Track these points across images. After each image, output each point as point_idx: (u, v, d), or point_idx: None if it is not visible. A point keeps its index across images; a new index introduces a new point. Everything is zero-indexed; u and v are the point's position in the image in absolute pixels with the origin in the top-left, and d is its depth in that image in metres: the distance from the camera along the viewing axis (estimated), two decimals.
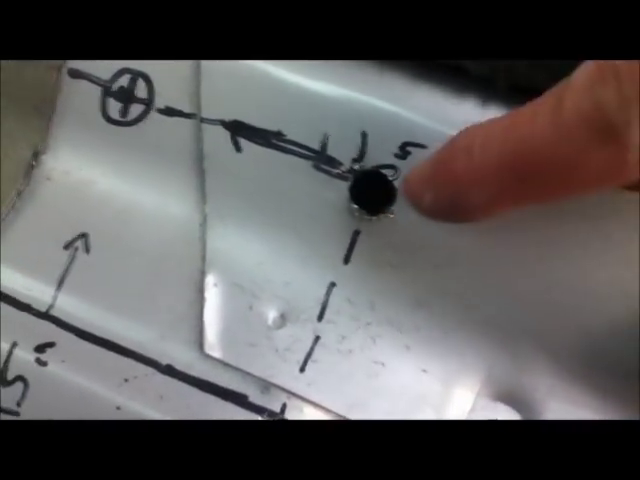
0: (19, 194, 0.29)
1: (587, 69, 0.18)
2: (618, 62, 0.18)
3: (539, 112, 0.19)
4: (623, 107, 0.17)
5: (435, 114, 0.25)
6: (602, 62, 0.18)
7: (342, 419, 0.26)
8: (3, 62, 0.30)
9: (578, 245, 0.25)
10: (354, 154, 0.26)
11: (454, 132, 0.23)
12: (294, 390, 0.26)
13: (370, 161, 0.26)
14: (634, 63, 0.17)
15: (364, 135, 0.26)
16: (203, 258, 0.27)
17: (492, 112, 0.25)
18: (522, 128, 0.19)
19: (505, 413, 0.25)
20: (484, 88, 0.25)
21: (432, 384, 0.26)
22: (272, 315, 0.27)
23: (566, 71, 0.19)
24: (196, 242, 0.28)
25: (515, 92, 0.24)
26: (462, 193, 0.21)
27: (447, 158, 0.21)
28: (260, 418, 0.26)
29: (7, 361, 0.27)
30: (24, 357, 0.27)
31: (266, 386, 0.26)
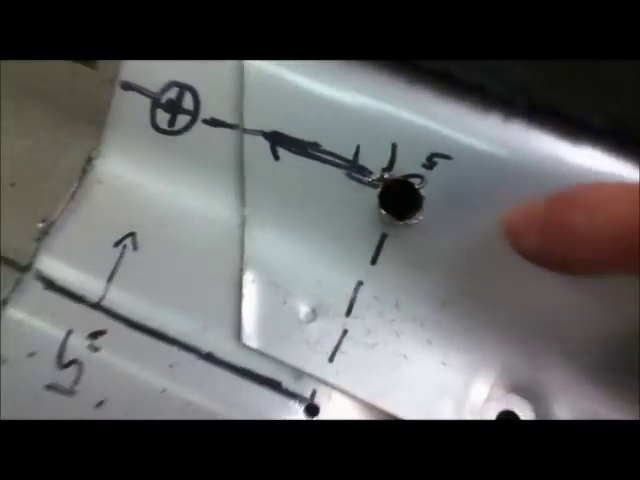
0: (73, 196, 0.32)
1: None
2: None
3: None
4: None
5: (460, 128, 0.27)
6: None
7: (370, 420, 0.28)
8: (61, 74, 0.33)
9: None
10: (384, 164, 0.28)
11: (478, 145, 0.25)
12: (323, 378, 0.28)
13: (399, 170, 0.28)
14: None
15: (394, 146, 0.28)
16: (242, 257, 0.30)
17: (514, 128, 0.27)
18: None
19: (518, 404, 0.27)
20: (505, 106, 0.27)
21: (451, 376, 0.28)
22: (304, 310, 0.29)
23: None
24: (235, 243, 0.30)
25: (534, 111, 0.26)
26: (573, 249, 0.20)
27: (565, 212, 0.21)
28: (292, 403, 0.28)
29: (63, 346, 0.29)
30: (78, 343, 0.29)
31: (298, 374, 0.28)
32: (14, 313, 0.30)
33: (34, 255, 0.31)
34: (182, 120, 0.31)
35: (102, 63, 0.32)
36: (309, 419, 0.28)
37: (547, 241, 0.21)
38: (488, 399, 0.27)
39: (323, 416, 0.28)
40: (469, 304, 0.28)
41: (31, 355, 0.29)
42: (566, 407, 0.27)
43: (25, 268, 0.31)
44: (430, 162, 0.28)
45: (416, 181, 0.28)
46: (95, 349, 0.29)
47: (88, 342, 0.29)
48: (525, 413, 0.27)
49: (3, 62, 0.34)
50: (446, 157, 0.27)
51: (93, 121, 0.32)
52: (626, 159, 0.26)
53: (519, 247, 0.22)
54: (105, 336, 0.29)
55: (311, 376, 0.28)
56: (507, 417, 0.27)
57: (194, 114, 0.31)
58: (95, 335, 0.29)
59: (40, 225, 0.31)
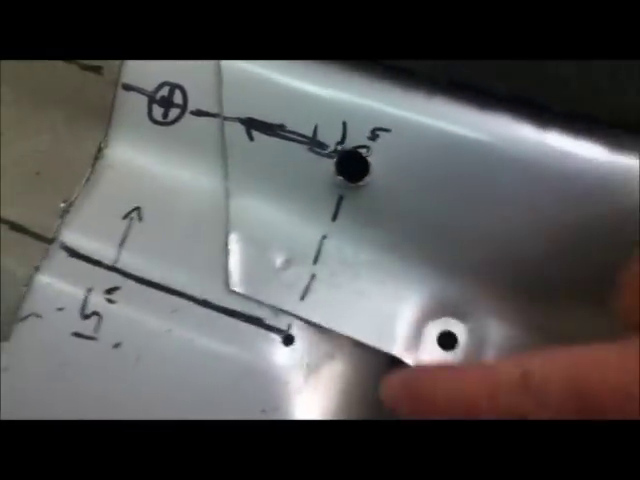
0: (88, 179, 0.38)
1: None
2: None
3: (604, 362, 0.20)
4: None
5: (395, 105, 0.34)
6: None
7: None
8: (73, 80, 0.39)
9: None
10: (338, 138, 0.34)
11: (410, 118, 0.32)
12: (297, 313, 0.34)
13: (350, 143, 0.34)
14: None
15: (344, 124, 0.34)
16: (227, 221, 0.36)
17: (437, 102, 0.33)
18: (589, 375, 0.20)
19: (455, 326, 0.34)
20: (429, 84, 0.33)
21: (400, 307, 0.34)
22: (279, 260, 0.35)
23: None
24: (222, 210, 0.36)
25: (455, 87, 0.32)
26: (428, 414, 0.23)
27: (411, 401, 0.23)
28: (273, 335, 0.34)
29: (85, 301, 0.36)
30: (97, 298, 0.35)
31: (276, 311, 0.34)
32: (45, 278, 0.36)
33: (58, 230, 0.37)
34: (174, 113, 0.37)
35: (106, 69, 0.38)
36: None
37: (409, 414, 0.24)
38: (427, 323, 0.34)
39: (298, 345, 0.34)
40: (412, 247, 0.34)
41: (60, 310, 0.35)
42: (501, 325, 0.33)
43: (51, 240, 0.37)
44: (373, 135, 0.34)
45: (363, 151, 0.34)
46: (111, 302, 0.34)
47: (106, 297, 0.34)
48: (461, 333, 0.34)
49: (23, 71, 0.40)
50: (386, 130, 0.34)
51: (101, 117, 0.38)
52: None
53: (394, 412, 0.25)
54: (119, 291, 0.35)
55: (287, 313, 0.34)
56: (447, 338, 0.34)
57: (183, 107, 0.37)
58: (111, 291, 0.34)
59: (62, 205, 0.38)
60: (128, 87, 0.37)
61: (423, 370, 0.26)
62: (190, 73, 0.36)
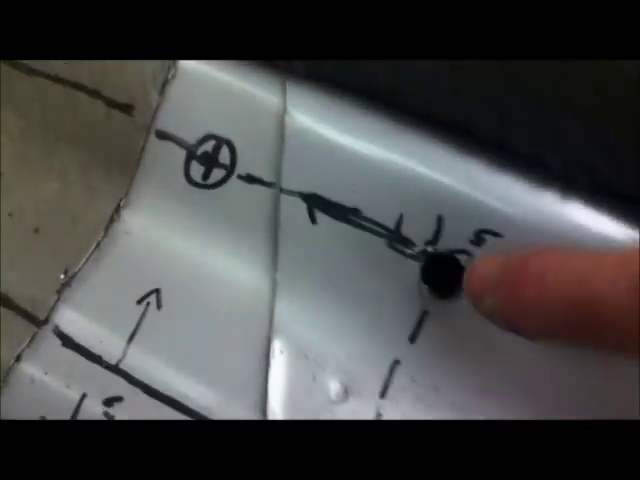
0: (98, 245, 0.30)
1: None
2: None
3: (620, 276, 0.18)
4: None
5: (513, 203, 0.25)
6: None
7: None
8: (95, 117, 0.31)
9: None
10: (428, 236, 0.26)
11: (531, 222, 0.23)
12: None
13: (444, 244, 0.26)
14: None
15: (440, 218, 0.26)
16: (270, 324, 0.28)
17: (571, 207, 0.25)
18: (600, 283, 0.18)
19: None
20: (565, 183, 0.25)
21: None
22: (334, 388, 0.27)
23: None
24: (265, 308, 0.28)
25: (596, 192, 0.24)
26: (523, 317, 0.20)
27: (516, 278, 0.20)
28: None
29: (76, 411, 0.28)
30: (93, 409, 0.28)
31: None
32: (28, 370, 0.28)
33: (53, 308, 0.29)
34: (217, 174, 0.29)
35: (138, 109, 0.31)
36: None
37: (498, 306, 0.21)
38: None
39: None
40: (513, 392, 0.26)
41: (42, 419, 0.27)
42: None
43: (43, 322, 0.29)
44: (478, 238, 0.26)
45: (462, 257, 0.26)
46: (110, 417, 0.28)
47: (103, 409, 0.28)
48: None
49: (37, 98, 0.33)
50: (496, 234, 0.25)
51: (125, 169, 0.31)
52: None
53: (477, 308, 0.22)
54: (121, 403, 0.28)
55: None
56: None
57: (230, 169, 0.29)
58: (110, 402, 0.28)
59: (62, 276, 0.30)
60: (163, 135, 0.29)
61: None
62: (243, 126, 0.28)
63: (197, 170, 0.29)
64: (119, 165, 0.31)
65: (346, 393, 0.27)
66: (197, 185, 0.30)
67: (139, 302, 0.29)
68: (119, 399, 0.28)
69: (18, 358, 0.28)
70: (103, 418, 0.27)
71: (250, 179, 0.29)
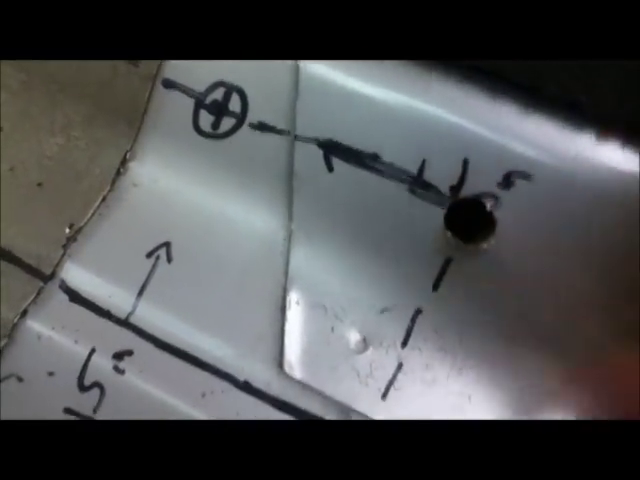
0: (104, 199, 0.29)
1: None
2: None
3: None
4: None
5: (545, 146, 0.24)
6: None
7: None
8: (96, 71, 0.30)
9: None
10: (453, 181, 0.25)
11: (564, 165, 0.22)
12: (375, 417, 0.25)
13: (469, 189, 0.25)
14: None
15: (465, 161, 0.25)
16: (286, 275, 0.27)
17: (605, 150, 0.24)
18: None
19: None
20: (599, 124, 0.24)
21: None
22: (354, 338, 0.26)
23: None
24: (280, 259, 0.27)
25: (631, 135, 0.23)
26: None
27: None
28: None
29: (85, 367, 0.27)
30: (102, 364, 0.27)
31: (345, 411, 0.25)
32: (34, 326, 0.27)
33: (59, 263, 0.28)
34: (227, 123, 0.28)
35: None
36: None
37: None
38: None
39: None
40: (538, 341, 0.25)
41: (51, 374, 0.26)
42: None
43: (48, 277, 0.28)
44: (507, 181, 0.24)
45: (489, 202, 0.25)
46: (120, 371, 0.27)
47: (112, 363, 0.27)
48: None
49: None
50: (526, 177, 0.24)
51: (131, 120, 0.30)
52: None
53: None
54: (132, 357, 0.27)
55: (361, 414, 0.25)
56: None
57: (241, 117, 0.28)
58: (120, 355, 0.27)
59: (67, 230, 0.29)
60: (170, 84, 0.28)
61: None
62: (254, 73, 0.27)
63: (206, 119, 0.28)
64: (125, 117, 0.30)
65: (366, 343, 0.26)
66: (206, 135, 0.28)
67: (149, 256, 0.28)
68: (129, 352, 0.27)
69: (24, 314, 0.27)
70: (112, 372, 0.26)
71: (262, 127, 0.28)
